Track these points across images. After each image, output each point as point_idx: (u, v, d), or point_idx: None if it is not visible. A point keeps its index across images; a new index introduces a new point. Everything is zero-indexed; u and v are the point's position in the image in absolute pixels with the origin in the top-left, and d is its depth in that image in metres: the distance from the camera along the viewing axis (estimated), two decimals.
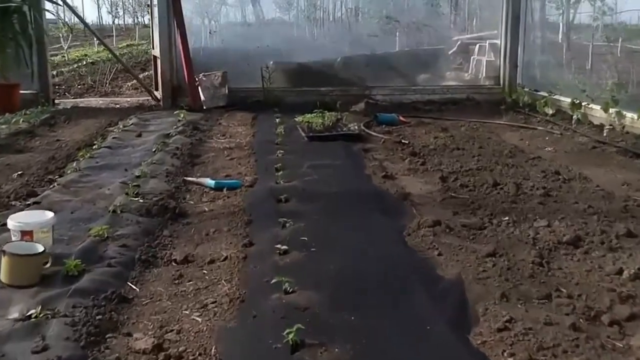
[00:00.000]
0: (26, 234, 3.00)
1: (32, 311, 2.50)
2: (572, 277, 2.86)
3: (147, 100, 9.51)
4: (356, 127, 6.43)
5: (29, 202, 3.98)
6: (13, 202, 4.05)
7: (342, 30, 9.76)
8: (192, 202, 4.24)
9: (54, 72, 13.60)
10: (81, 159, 5.20)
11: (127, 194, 4.13)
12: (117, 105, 9.23)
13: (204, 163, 5.31)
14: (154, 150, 5.49)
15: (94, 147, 5.69)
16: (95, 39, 22.57)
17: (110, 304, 2.63)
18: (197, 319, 2.55)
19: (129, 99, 9.96)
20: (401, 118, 7.38)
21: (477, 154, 5.52)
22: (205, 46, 9.42)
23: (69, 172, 4.80)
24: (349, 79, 9.29)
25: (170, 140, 5.99)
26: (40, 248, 2.88)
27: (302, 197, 4.04)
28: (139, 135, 6.30)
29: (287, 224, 3.50)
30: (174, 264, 3.16)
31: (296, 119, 6.84)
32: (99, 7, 38.23)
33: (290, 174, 4.63)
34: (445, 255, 3.09)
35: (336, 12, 10.22)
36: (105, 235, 3.35)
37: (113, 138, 6.12)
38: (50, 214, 3.16)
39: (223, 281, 2.91)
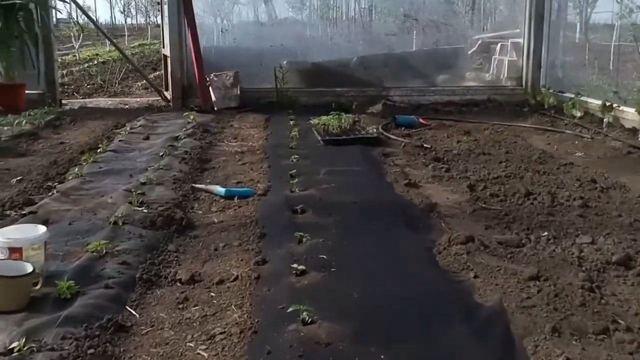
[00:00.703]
0: (15, 252, 2.69)
1: (15, 344, 2.19)
2: (629, 306, 2.51)
3: (157, 100, 9.23)
4: (374, 130, 6.10)
5: (24, 212, 3.68)
6: (8, 212, 3.75)
7: (357, 29, 9.41)
8: (200, 212, 3.93)
9: (64, 72, 13.40)
10: (84, 164, 4.90)
11: (130, 202, 3.82)
12: (126, 106, 8.96)
13: (214, 168, 5.00)
14: (161, 154, 5.19)
15: (99, 150, 5.40)
16: (113, 38, 22.44)
17: (105, 334, 2.32)
18: (203, 353, 2.23)
19: (138, 99, 9.69)
20: (421, 120, 7.05)
21: (504, 160, 5.17)
22: (216, 45, 9.12)
23: (70, 178, 4.51)
24: (365, 80, 8.95)
25: (179, 143, 5.69)
26: (29, 268, 2.57)
27: (320, 207, 3.71)
28: (147, 138, 6.00)
29: (304, 239, 3.17)
30: (178, 284, 2.84)
31: (311, 121, 6.53)
32: (111, 7, 38.18)
33: (306, 181, 4.31)
34: (482, 278, 2.75)
35: (350, 11, 9.88)
36: (104, 251, 3.04)
37: (119, 141, 5.82)
38: (42, 229, 2.85)
39: (233, 307, 2.58)
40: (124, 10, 34.59)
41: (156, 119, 7.27)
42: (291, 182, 4.29)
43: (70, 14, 20.25)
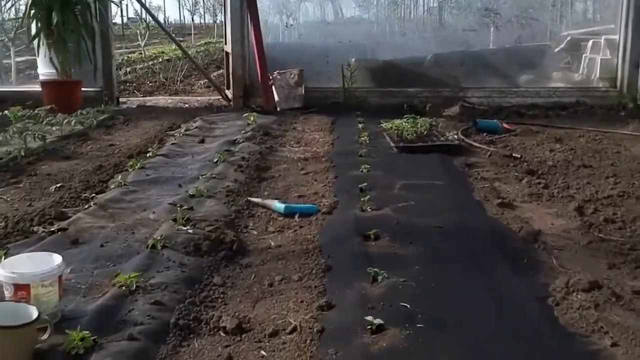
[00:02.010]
0: (21, 289, 2.16)
1: None
2: None
3: (218, 99, 8.76)
4: (455, 136, 5.39)
5: (53, 229, 3.18)
6: (35, 228, 3.26)
7: (432, 24, 8.67)
8: (255, 233, 3.34)
9: (128, 69, 13.17)
10: (130, 170, 4.41)
11: (175, 220, 3.28)
12: (186, 105, 8.52)
13: (273, 178, 4.42)
14: (215, 160, 4.65)
15: (148, 154, 4.90)
16: (174, 36, 22.36)
17: None
18: None
19: (199, 98, 9.25)
20: (505, 125, 6.28)
21: (610, 174, 4.38)
22: (280, 42, 8.55)
23: (112, 186, 4.01)
24: (440, 79, 8.22)
25: (236, 148, 5.14)
26: (34, 313, 2.03)
27: (397, 233, 3.06)
28: (202, 142, 5.48)
29: (380, 277, 2.53)
30: (222, 333, 2.25)
31: (382, 125, 5.87)
32: (180, 6, 38.49)
33: (379, 198, 3.67)
34: (624, 347, 2.04)
35: (422, 5, 9.14)
36: (134, 286, 2.47)
37: (172, 144, 5.32)
38: (57, 260, 2.31)
39: None
40: (191, 9, 34.70)
41: (214, 119, 6.77)
42: (361, 197, 3.65)
43: (138, 12, 20.26)
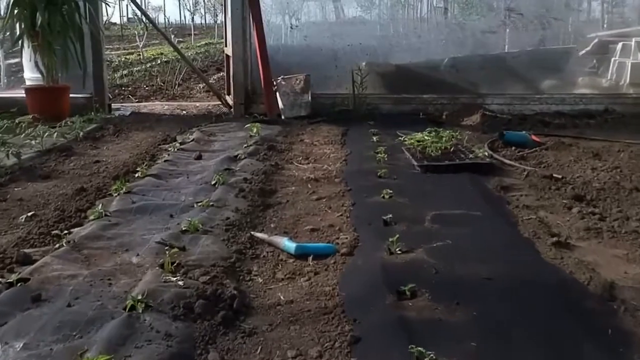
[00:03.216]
0: None
1: None
2: None
3: (218, 105, 8.17)
4: (485, 153, 4.78)
5: (10, 280, 2.56)
6: None
7: (449, 25, 8.04)
8: (260, 281, 2.74)
9: (124, 72, 12.57)
10: (114, 195, 3.80)
11: (162, 266, 2.68)
12: (183, 112, 7.92)
13: (280, 204, 3.80)
14: (213, 182, 4.04)
15: (137, 174, 4.29)
16: (171, 37, 21.75)
17: None
18: None
19: (197, 104, 8.65)
20: (533, 137, 5.68)
21: None
22: (284, 44, 7.93)
23: (91, 217, 3.40)
24: (457, 85, 7.62)
25: (237, 166, 4.54)
26: None
27: (438, 287, 2.45)
28: (199, 158, 4.87)
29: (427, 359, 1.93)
30: None
31: (400, 138, 5.28)
32: (180, 6, 37.91)
33: (407, 234, 3.06)
34: None
35: (434, 6, 8.52)
36: None
37: (165, 161, 4.71)
38: None
39: None
40: (191, 9, 34.09)
41: (213, 130, 6.16)
42: (386, 233, 3.04)
43: (136, 13, 19.65)
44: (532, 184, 4.17)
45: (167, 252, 2.77)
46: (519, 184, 4.20)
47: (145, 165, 4.54)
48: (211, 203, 3.59)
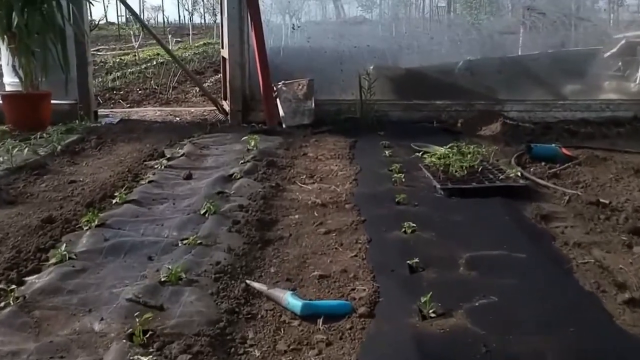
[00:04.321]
0: None
1: None
2: None
3: (214, 111, 7.58)
4: (518, 174, 4.17)
5: None
6: None
7: (464, 26, 7.42)
8: (257, 354, 2.13)
9: (117, 74, 11.95)
10: (85, 228, 3.20)
11: (131, 337, 2.08)
12: (176, 119, 7.34)
13: (282, 240, 3.19)
14: (203, 211, 3.43)
15: (115, 200, 3.68)
16: (169, 37, 21.15)
17: None
18: None
19: (192, 109, 8.06)
20: (564, 150, 5.08)
21: None
22: (285, 45, 7.31)
23: (53, 260, 2.79)
24: (473, 90, 7.01)
25: (232, 188, 3.94)
26: None
27: None
28: (188, 177, 4.27)
29: None
30: None
31: (417, 153, 4.68)
32: (179, 5, 37.33)
33: (440, 287, 2.45)
34: None
35: (448, 5, 7.91)
36: None
37: (149, 182, 4.10)
38: None
39: None
40: (189, 8, 33.46)
41: (207, 142, 5.55)
42: (414, 284, 2.44)
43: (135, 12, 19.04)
44: (577, 212, 3.56)
45: (138, 317, 2.16)
46: (560, 212, 3.58)
47: (126, 188, 3.93)
48: (199, 241, 2.99)
